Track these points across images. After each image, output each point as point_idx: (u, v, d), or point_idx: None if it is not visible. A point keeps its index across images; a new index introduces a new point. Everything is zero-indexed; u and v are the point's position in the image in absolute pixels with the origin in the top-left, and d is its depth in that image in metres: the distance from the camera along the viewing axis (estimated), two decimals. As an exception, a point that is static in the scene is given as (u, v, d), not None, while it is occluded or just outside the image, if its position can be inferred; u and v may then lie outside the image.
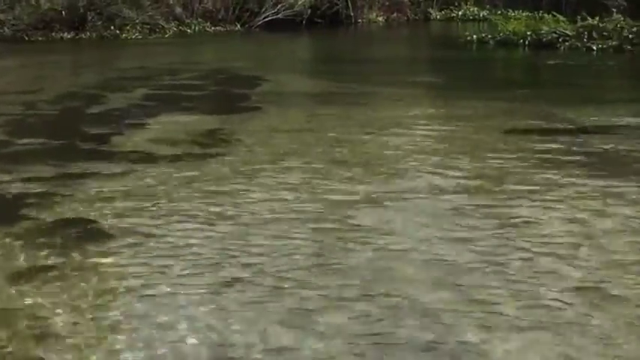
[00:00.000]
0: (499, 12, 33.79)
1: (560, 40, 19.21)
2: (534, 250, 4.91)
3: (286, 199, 6.14)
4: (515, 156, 7.50)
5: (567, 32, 19.22)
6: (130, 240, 5.20)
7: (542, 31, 19.72)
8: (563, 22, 20.12)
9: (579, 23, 19.46)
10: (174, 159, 7.66)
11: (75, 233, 5.40)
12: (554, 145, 7.98)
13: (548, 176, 6.71)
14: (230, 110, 10.71)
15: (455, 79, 14.40)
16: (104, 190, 6.50)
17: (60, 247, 5.07)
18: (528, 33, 20.04)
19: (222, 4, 28.56)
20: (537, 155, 7.53)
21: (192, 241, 5.18)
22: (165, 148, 8.20)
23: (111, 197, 6.26)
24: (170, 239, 5.21)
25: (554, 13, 20.95)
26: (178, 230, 5.41)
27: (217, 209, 5.88)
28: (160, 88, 13.07)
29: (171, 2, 26.31)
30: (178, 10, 27.10)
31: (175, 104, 11.34)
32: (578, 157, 7.48)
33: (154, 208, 5.95)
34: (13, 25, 22.59)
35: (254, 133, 8.94)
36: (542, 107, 10.46)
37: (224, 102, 12.02)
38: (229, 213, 5.79)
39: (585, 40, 18.79)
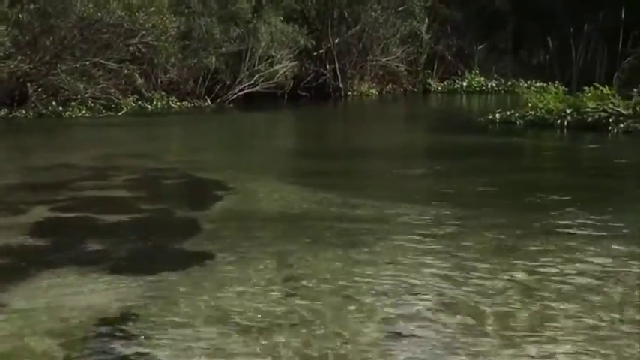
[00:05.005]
0: (509, 82, 30.13)
1: (610, 120, 15.09)
2: None
3: None
4: None
5: (621, 110, 15.07)
6: None
7: (587, 109, 15.54)
8: (612, 96, 15.90)
9: (636, 98, 15.29)
10: None
11: None
12: None
13: None
14: (159, 262, 6.42)
15: (500, 186, 10.08)
16: None
17: None
18: (567, 111, 15.92)
19: (190, 74, 24.33)
20: None
21: None
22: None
23: None
24: None
25: (597, 85, 16.73)
26: None
27: None
28: (68, 209, 8.72)
29: (126, 72, 21.90)
30: (138, 81, 22.85)
31: (76, 246, 7.02)
32: None
33: None
34: None
35: (187, 326, 4.64)
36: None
37: (156, 238, 7.61)
38: None
39: (646, 120, 14.69)
